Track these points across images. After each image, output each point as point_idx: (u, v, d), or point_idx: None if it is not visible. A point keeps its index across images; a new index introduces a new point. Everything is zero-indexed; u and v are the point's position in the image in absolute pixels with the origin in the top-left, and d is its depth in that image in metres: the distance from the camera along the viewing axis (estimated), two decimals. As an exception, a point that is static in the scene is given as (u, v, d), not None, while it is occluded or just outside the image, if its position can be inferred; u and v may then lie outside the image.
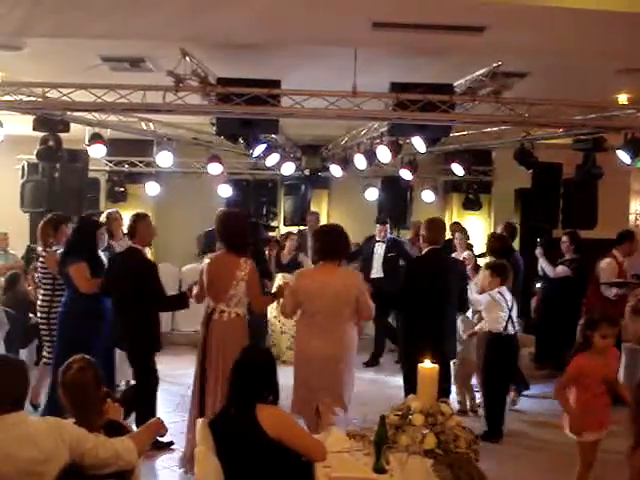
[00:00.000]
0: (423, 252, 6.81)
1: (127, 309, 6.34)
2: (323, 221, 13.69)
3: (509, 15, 6.35)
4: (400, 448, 3.78)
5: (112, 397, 3.94)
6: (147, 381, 6.45)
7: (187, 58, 7.60)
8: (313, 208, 12.99)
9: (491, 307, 7.12)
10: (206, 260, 6.13)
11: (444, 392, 6.58)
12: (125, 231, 6.89)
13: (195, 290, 6.20)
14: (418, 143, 9.34)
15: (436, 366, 4.16)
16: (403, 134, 9.38)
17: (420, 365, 4.14)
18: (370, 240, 11.09)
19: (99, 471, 3.38)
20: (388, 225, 11.02)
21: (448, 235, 9.52)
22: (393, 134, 9.36)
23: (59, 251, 7.11)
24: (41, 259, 7.31)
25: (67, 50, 7.94)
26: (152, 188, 12.68)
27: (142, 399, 6.36)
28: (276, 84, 7.97)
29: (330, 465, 3.72)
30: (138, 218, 6.60)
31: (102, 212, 9.89)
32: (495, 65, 7.74)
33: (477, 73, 8.02)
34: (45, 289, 7.29)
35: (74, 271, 6.59)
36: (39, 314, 7.33)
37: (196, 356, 6.04)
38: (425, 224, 6.88)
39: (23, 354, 8.72)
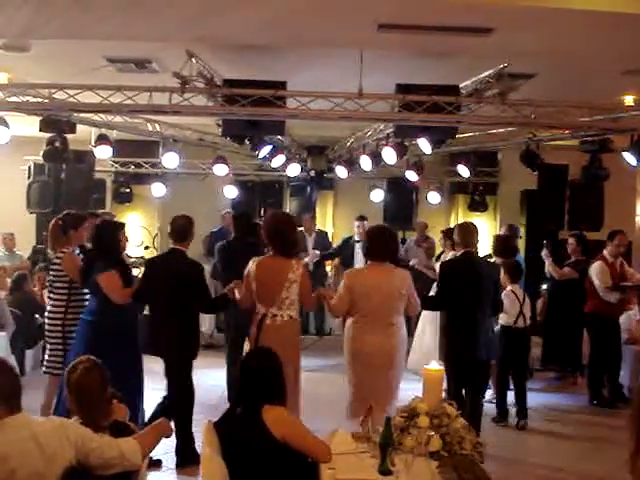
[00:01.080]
0: (457, 255, 6.91)
1: (175, 314, 6.00)
2: (328, 223, 13.74)
3: (516, 17, 6.34)
4: (405, 450, 3.77)
5: (118, 398, 3.94)
6: (188, 390, 6.22)
7: (193, 59, 7.61)
8: (319, 209, 13.01)
9: (509, 305, 7.52)
10: (251, 264, 5.89)
11: (481, 390, 6.78)
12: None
13: (237, 294, 6.08)
14: (424, 144, 9.33)
15: (441, 368, 4.15)
16: (409, 135, 9.38)
17: (425, 367, 4.14)
18: (349, 241, 11.12)
19: (104, 471, 3.38)
20: (366, 222, 11.05)
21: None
22: (399, 135, 9.37)
23: (76, 252, 6.74)
24: (57, 261, 6.70)
25: (73, 51, 7.98)
26: (158, 189, 12.72)
27: (184, 410, 6.16)
28: (282, 85, 7.98)
29: (335, 466, 3.71)
30: (192, 222, 6.31)
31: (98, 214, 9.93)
32: (501, 66, 7.73)
33: (483, 75, 8.02)
34: (59, 294, 6.66)
35: (106, 280, 6.09)
36: (49, 321, 6.68)
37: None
38: (457, 228, 7.07)
39: (29, 355, 8.77)
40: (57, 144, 9.03)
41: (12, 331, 8.47)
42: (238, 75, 8.05)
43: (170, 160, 10.87)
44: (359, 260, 10.59)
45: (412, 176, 11.48)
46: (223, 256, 7.94)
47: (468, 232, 6.85)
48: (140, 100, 8.07)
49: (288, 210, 13.59)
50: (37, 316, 9.04)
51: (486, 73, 7.97)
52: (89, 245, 6.81)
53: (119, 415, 3.88)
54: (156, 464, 5.93)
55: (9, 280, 9.76)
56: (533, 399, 8.28)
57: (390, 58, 8.03)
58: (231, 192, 12.76)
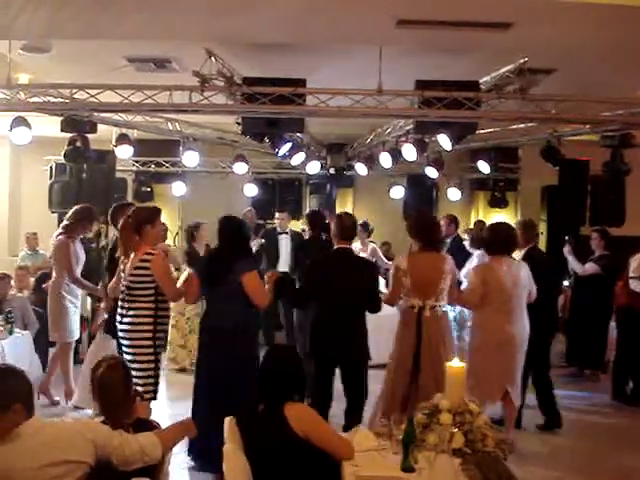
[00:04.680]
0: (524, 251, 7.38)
1: (350, 315, 5.90)
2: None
3: (536, 11, 6.28)
4: (428, 447, 3.76)
5: (141, 396, 3.96)
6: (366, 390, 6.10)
7: (212, 58, 7.63)
8: (338, 206, 12.98)
9: None
10: (399, 260, 6.07)
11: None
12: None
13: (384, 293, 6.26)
14: (444, 141, 9.30)
15: (463, 364, 4.13)
16: (428, 132, 9.35)
17: (448, 364, 4.12)
18: (273, 231, 11.03)
19: (126, 468, 3.39)
20: (286, 214, 11.07)
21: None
22: (418, 132, 9.35)
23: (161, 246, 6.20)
24: (141, 265, 5.69)
25: (93, 52, 8.02)
26: (178, 188, 12.78)
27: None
28: (301, 83, 7.96)
29: (358, 464, 3.72)
30: (356, 221, 6.23)
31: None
32: (521, 62, 7.68)
33: (503, 70, 7.97)
34: (146, 304, 5.70)
35: (252, 280, 5.64)
36: (134, 335, 5.66)
37: (397, 354, 6.02)
38: (519, 226, 7.54)
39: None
40: (78, 144, 9.10)
41: (36, 330, 8.53)
42: (257, 73, 8.05)
43: (190, 159, 10.94)
44: (284, 253, 10.60)
45: (432, 172, 11.46)
46: (297, 253, 7.89)
47: (530, 228, 7.57)
48: (160, 99, 8.10)
49: (308, 208, 13.62)
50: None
51: (506, 68, 7.92)
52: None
53: (142, 413, 3.90)
54: None
55: (32, 279, 9.85)
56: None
57: (409, 54, 8.00)
58: (251, 190, 12.81)
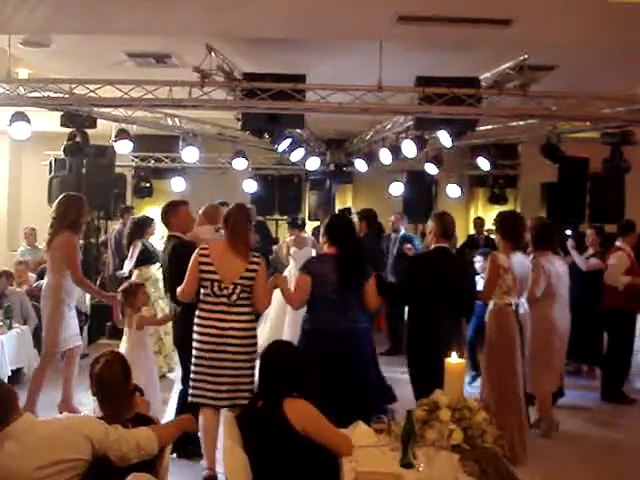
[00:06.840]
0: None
1: (444, 314, 5.82)
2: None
3: (536, 7, 6.29)
4: (427, 443, 3.77)
5: (140, 391, 3.96)
6: None
7: (212, 53, 7.62)
8: (338, 203, 13.00)
9: None
10: (500, 257, 6.10)
11: None
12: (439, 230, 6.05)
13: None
14: (444, 137, 9.29)
15: (463, 361, 4.14)
16: (428, 128, 9.34)
17: (447, 360, 4.12)
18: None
19: (123, 463, 3.38)
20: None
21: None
22: (418, 128, 9.33)
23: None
24: (253, 267, 5.32)
25: (93, 46, 8.02)
26: (178, 183, 12.80)
27: None
28: (301, 79, 7.96)
29: (357, 460, 3.71)
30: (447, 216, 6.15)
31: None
32: (522, 58, 7.67)
33: (504, 66, 7.96)
34: (250, 306, 5.38)
35: (373, 283, 5.58)
36: (246, 343, 5.29)
37: (503, 348, 6.11)
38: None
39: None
40: (78, 139, 9.11)
41: (35, 325, 8.52)
42: (257, 69, 8.05)
43: (190, 154, 10.93)
44: None
45: (432, 169, 11.44)
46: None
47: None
48: (160, 94, 8.09)
49: (307, 204, 13.63)
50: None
51: (506, 65, 7.91)
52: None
53: (141, 408, 3.90)
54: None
55: (31, 275, 9.84)
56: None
57: (410, 50, 7.99)
58: (250, 186, 12.81)
